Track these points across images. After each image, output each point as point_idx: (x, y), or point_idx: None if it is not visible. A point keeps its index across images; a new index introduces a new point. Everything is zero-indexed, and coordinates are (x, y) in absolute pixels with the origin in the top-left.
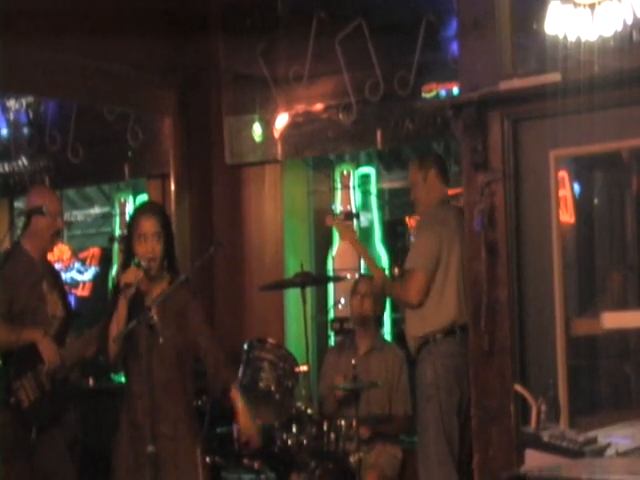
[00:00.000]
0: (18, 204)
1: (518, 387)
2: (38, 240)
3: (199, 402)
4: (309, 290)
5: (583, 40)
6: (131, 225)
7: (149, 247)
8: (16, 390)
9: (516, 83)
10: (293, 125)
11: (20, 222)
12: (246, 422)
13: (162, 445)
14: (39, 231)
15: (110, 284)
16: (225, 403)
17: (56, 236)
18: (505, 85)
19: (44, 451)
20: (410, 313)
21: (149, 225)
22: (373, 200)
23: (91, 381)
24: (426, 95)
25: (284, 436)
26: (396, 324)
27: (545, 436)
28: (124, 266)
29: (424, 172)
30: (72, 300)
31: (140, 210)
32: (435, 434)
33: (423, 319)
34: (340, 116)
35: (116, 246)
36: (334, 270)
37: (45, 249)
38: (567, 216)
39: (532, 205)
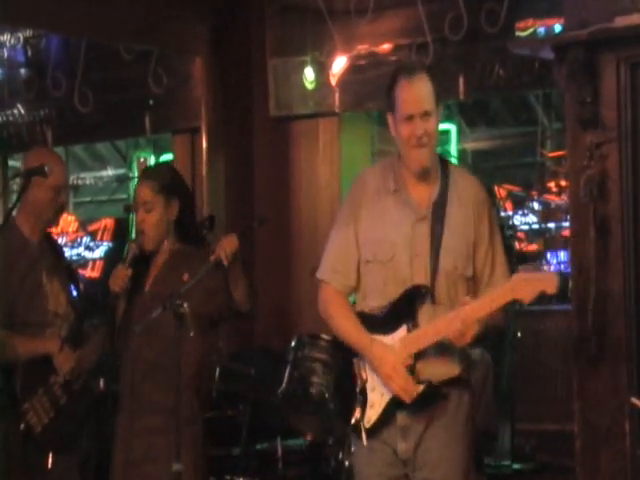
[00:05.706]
0: (14, 162)
1: (635, 400)
2: (35, 216)
3: (234, 412)
4: None
5: None
6: None
7: (138, 219)
8: (25, 413)
9: (636, 19)
10: (354, 70)
11: (15, 186)
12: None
13: (149, 440)
14: (37, 206)
15: None
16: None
17: (59, 213)
18: (622, 21)
19: (54, 475)
20: None
21: (139, 194)
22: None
23: (102, 383)
24: (521, 33)
25: (340, 454)
26: None
27: None
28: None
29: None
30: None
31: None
32: None
33: None
34: (413, 59)
35: (133, 216)
36: None
37: (43, 229)
38: None
39: None
